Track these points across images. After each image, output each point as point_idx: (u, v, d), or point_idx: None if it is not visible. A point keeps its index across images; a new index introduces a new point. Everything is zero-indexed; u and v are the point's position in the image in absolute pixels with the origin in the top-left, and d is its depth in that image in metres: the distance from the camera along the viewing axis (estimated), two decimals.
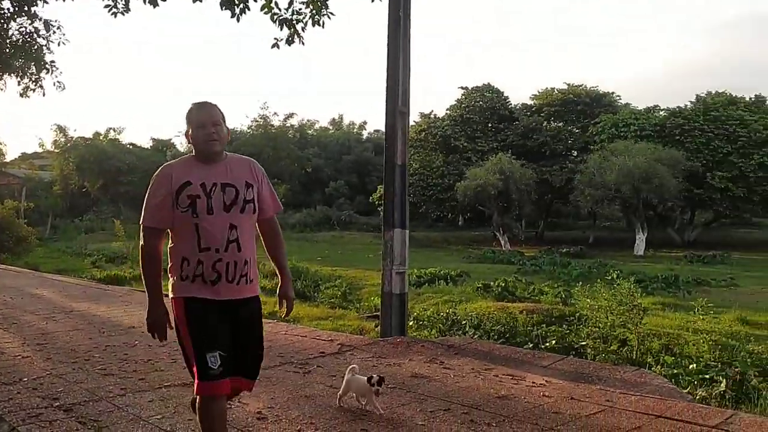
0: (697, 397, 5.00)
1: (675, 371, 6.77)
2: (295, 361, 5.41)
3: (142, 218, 2.80)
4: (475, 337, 7.89)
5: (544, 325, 10.29)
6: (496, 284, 13.47)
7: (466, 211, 38.88)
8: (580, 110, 39.72)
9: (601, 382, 4.58)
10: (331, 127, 58.24)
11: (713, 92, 38.66)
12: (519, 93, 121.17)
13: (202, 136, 2.78)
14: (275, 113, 53.92)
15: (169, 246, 2.86)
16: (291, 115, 51.60)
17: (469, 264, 21.76)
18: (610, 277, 9.87)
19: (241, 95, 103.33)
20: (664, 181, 28.91)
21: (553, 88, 41.63)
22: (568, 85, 40.88)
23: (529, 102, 42.42)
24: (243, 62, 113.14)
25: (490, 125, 39.87)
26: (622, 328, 8.87)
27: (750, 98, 37.71)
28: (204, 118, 2.80)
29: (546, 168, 36.43)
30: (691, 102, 38.10)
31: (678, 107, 37.21)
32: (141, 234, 2.83)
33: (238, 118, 63.34)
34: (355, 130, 57.82)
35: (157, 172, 2.84)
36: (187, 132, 2.87)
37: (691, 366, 7.10)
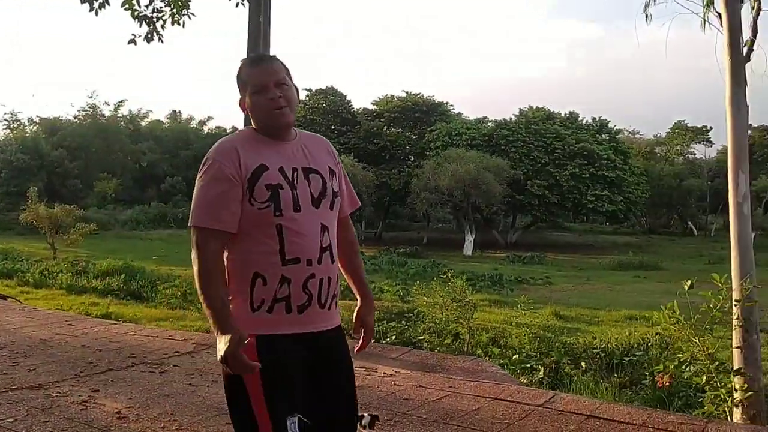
0: (522, 383, 5.72)
1: (501, 362, 7.59)
2: (149, 360, 5.36)
3: (194, 218, 1.96)
4: None
5: (384, 322, 10.90)
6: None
7: None
8: (418, 117, 41.76)
9: (444, 371, 5.10)
10: (167, 121, 55.65)
11: (534, 107, 42.49)
12: (361, 97, 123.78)
13: (265, 104, 2.00)
14: (105, 102, 50.67)
15: (226, 258, 2.00)
16: (122, 103, 48.85)
17: None
18: (445, 276, 10.70)
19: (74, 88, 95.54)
20: (490, 187, 31.41)
21: (393, 95, 43.34)
22: (407, 93, 42.80)
23: (371, 107, 43.78)
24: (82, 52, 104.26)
25: (333, 127, 40.63)
26: (456, 323, 9.69)
27: (565, 114, 41.94)
28: (263, 78, 2.01)
29: (386, 171, 37.89)
30: (515, 115, 41.58)
31: (504, 119, 40.51)
32: (194, 240, 1.95)
33: (63, 108, 58.35)
34: (193, 125, 55.73)
35: (212, 150, 2.00)
36: (242, 100, 2.08)
37: (514, 356, 7.99)
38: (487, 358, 7.84)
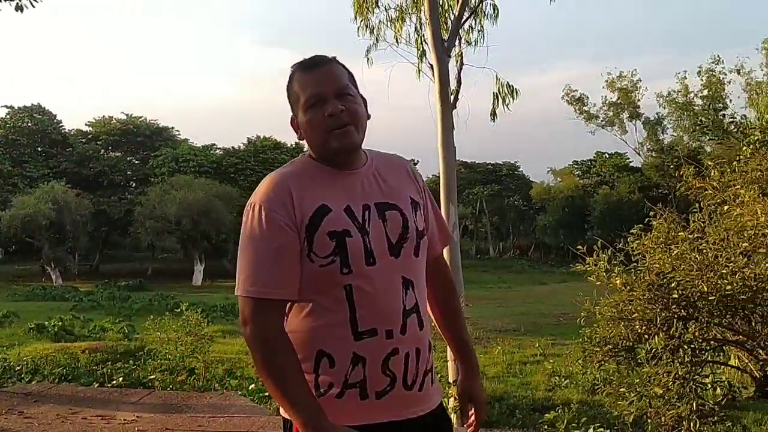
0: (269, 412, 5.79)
1: (240, 393, 7.56)
2: None
3: (245, 285, 1.49)
4: (33, 382, 7.32)
5: (109, 363, 10.08)
6: (52, 324, 12.50)
7: (10, 244, 34.44)
8: (140, 142, 39.63)
9: (191, 410, 4.95)
10: None
11: (262, 136, 43.19)
12: (74, 117, 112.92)
13: (321, 121, 1.51)
14: None
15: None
16: None
17: (15, 303, 19.43)
18: (179, 309, 10.31)
19: None
20: (220, 215, 30.98)
21: (111, 117, 40.54)
22: (128, 115, 40.38)
23: (85, 128, 40.35)
24: None
25: (40, 149, 36.56)
26: (191, 358, 9.38)
27: (292, 144, 43.40)
28: (319, 88, 1.52)
29: (104, 198, 35.16)
30: (243, 144, 41.82)
31: (232, 147, 40.43)
32: (247, 315, 1.49)
33: None
34: None
35: (259, 192, 1.53)
36: (293, 119, 1.59)
37: (251, 386, 8.02)
38: (231, 391, 7.75)
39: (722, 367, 6.29)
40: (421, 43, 7.87)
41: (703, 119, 33.46)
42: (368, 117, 1.59)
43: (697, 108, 34.01)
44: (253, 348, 1.47)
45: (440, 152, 7.12)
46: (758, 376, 6.08)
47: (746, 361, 6.27)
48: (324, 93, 1.51)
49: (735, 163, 6.34)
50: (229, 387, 8.57)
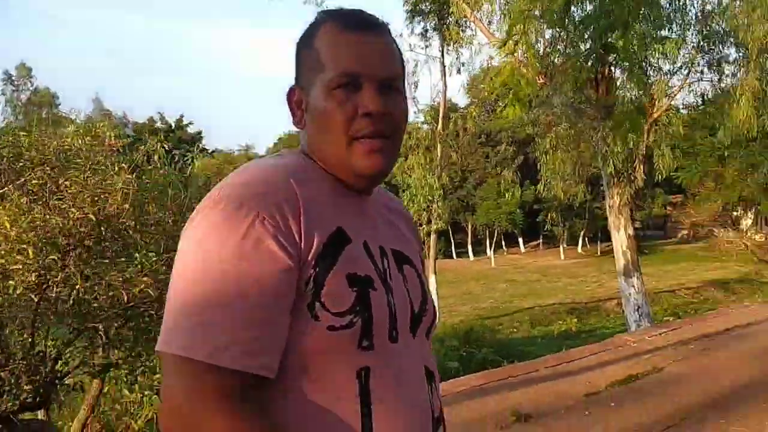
0: None
1: None
2: None
3: (192, 340, 0.82)
4: None
5: None
6: None
7: None
8: None
9: None
10: None
11: None
12: None
13: (348, 122, 0.97)
14: None
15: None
16: None
17: None
18: None
19: None
20: None
21: None
22: None
23: None
24: None
25: None
26: None
27: None
28: (361, 66, 0.97)
29: None
30: None
31: None
32: (193, 396, 0.82)
33: None
34: None
35: (239, 183, 0.92)
36: (296, 90, 1.03)
37: None
38: None
39: None
40: None
41: None
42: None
43: None
44: None
45: None
46: None
47: None
48: (365, 74, 0.95)
49: None
50: None
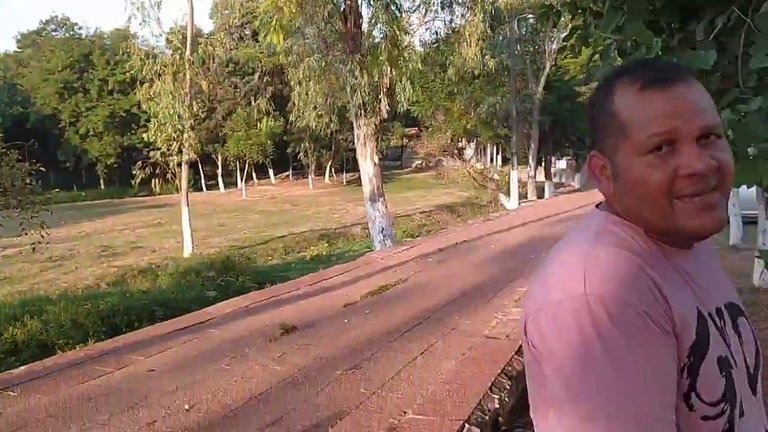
0: None
1: None
2: None
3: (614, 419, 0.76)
4: None
5: None
6: None
7: None
8: None
9: None
10: None
11: None
12: None
13: (669, 184, 0.87)
14: None
15: None
16: None
17: None
18: None
19: None
20: None
21: None
22: None
23: None
24: None
25: None
26: None
27: None
28: (675, 123, 0.87)
29: None
30: None
31: None
32: None
33: None
34: None
35: (598, 278, 0.83)
36: (597, 156, 0.97)
37: None
38: None
39: None
40: None
41: None
42: None
43: None
44: None
45: None
46: None
47: None
48: (678, 132, 0.88)
49: None
50: None
